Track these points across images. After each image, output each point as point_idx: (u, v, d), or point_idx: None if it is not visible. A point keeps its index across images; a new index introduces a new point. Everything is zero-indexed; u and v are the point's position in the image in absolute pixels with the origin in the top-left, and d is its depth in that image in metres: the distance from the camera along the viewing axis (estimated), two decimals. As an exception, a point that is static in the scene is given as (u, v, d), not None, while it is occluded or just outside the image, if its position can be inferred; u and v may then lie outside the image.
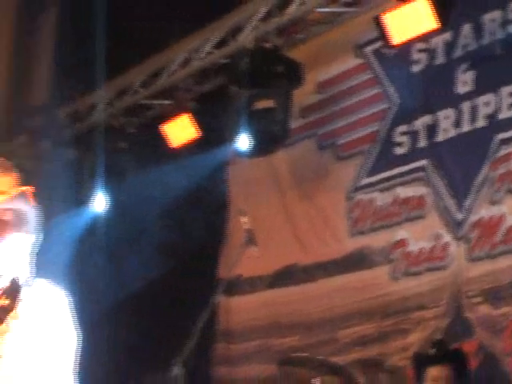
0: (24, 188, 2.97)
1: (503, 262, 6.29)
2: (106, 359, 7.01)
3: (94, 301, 5.87)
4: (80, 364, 2.95)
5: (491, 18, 6.43)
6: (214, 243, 8.24)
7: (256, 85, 7.36)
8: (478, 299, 6.26)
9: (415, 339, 6.45)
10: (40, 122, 8.87)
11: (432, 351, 5.82)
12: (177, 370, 6.90)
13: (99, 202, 8.29)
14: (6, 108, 9.43)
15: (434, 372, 5.53)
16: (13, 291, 3.06)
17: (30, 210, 3.02)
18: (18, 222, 3.03)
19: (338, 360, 6.49)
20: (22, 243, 3.03)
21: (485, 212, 6.31)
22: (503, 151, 6.34)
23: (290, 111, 7.14)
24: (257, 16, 7.32)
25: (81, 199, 8.32)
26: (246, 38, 7.59)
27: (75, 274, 6.51)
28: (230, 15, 7.43)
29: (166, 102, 7.93)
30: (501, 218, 6.20)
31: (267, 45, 7.36)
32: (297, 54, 7.37)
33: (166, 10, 7.85)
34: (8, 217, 2.99)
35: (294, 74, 7.44)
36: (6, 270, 2.94)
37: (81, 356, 2.94)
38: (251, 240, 6.25)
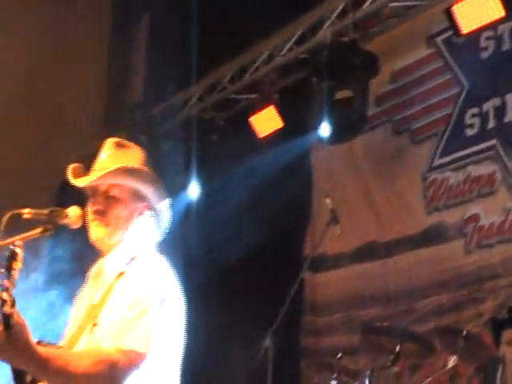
0: (138, 166, 3.38)
1: None
2: (199, 333, 7.41)
3: (189, 278, 6.32)
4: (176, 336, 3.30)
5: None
6: (300, 223, 8.47)
7: (335, 77, 7.48)
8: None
9: (488, 307, 6.56)
10: (137, 118, 9.30)
11: (507, 316, 5.93)
12: (268, 342, 7.19)
13: (193, 190, 8.67)
14: (105, 106, 9.90)
15: (510, 334, 5.73)
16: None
17: (144, 188, 3.35)
18: (132, 197, 3.37)
19: (417, 328, 6.70)
20: (139, 219, 3.42)
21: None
22: None
23: (367, 100, 7.35)
24: (334, 12, 7.45)
25: (176, 188, 8.61)
26: (324, 34, 7.75)
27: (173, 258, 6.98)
28: (309, 13, 7.77)
29: (253, 95, 8.20)
30: None
31: (345, 39, 7.42)
32: (372, 46, 7.59)
33: (252, 10, 8.06)
34: (117, 193, 3.38)
35: (370, 65, 7.52)
36: (121, 241, 3.40)
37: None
38: (335, 219, 6.56)
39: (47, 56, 9.68)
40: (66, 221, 3.22)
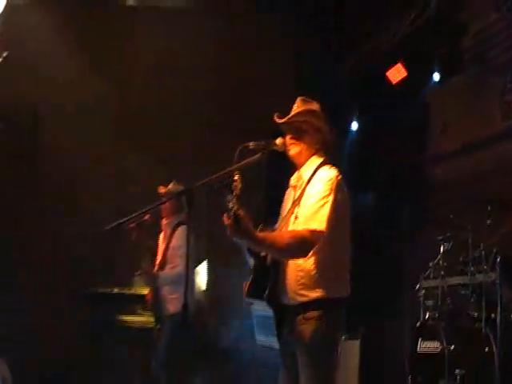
0: (317, 109, 4.18)
1: None
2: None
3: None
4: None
5: None
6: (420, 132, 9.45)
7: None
8: None
9: None
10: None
11: None
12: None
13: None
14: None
15: None
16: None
17: (320, 123, 4.17)
18: (313, 130, 4.19)
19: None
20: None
21: None
22: None
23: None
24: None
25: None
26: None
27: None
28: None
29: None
30: None
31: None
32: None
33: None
34: (304, 126, 4.18)
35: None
36: (309, 158, 4.23)
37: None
38: (444, 128, 8.67)
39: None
40: (275, 147, 4.07)
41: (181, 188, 6.61)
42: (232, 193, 3.58)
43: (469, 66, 8.91)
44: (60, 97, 9.75)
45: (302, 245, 3.88)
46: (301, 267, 3.97)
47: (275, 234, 3.97)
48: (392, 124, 9.54)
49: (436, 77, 8.79)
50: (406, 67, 8.97)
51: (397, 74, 9.05)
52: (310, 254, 3.93)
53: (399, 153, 9.25)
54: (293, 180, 4.25)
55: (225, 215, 3.66)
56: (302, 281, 3.95)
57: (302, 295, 3.96)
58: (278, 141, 4.03)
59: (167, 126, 10.11)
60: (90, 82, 9.80)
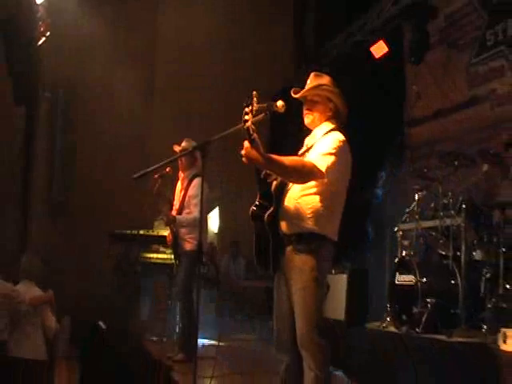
0: (328, 83, 4.04)
1: None
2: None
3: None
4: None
5: None
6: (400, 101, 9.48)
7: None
8: None
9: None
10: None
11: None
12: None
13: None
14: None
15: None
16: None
17: (331, 95, 4.04)
18: (325, 101, 4.06)
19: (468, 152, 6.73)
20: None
21: None
22: None
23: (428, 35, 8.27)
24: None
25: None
26: None
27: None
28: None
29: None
30: None
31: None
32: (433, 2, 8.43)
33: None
34: (317, 98, 4.05)
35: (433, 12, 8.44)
36: (321, 123, 4.06)
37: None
38: (419, 96, 8.42)
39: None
40: (276, 108, 3.82)
41: (194, 144, 6.55)
42: (250, 114, 3.58)
43: (440, 44, 8.91)
44: (94, 73, 10.09)
45: (302, 169, 3.79)
46: (299, 200, 3.87)
47: (283, 157, 3.83)
48: (375, 93, 9.38)
49: (412, 54, 8.74)
50: (387, 44, 8.94)
51: (379, 49, 9.01)
52: (309, 192, 3.85)
53: (381, 117, 9.17)
54: (307, 140, 4.13)
55: (245, 141, 3.64)
56: (298, 211, 3.83)
57: (297, 225, 3.83)
58: (279, 103, 3.82)
59: (188, 94, 10.58)
60: (122, 60, 10.12)
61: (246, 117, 3.55)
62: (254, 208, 3.89)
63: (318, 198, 3.83)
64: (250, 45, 10.99)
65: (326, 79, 4.07)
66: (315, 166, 3.77)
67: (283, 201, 3.89)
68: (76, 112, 10.62)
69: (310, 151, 3.95)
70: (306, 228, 3.82)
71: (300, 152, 4.04)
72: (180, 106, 10.74)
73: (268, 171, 3.87)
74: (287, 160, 3.76)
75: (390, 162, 8.06)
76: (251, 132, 3.59)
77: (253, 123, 3.66)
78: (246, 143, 3.62)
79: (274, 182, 3.98)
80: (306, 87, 4.04)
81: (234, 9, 10.77)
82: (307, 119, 4.04)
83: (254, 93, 3.60)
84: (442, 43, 8.89)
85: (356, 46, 9.59)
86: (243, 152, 3.63)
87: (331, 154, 3.83)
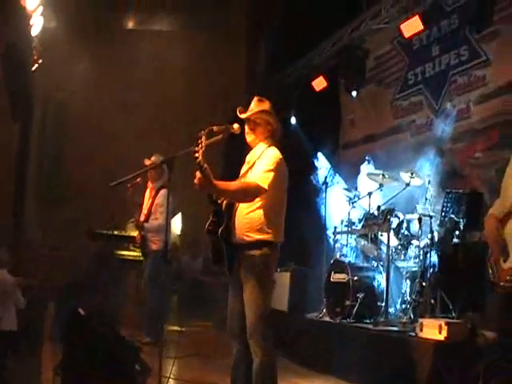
0: (268, 109, 3.90)
1: None
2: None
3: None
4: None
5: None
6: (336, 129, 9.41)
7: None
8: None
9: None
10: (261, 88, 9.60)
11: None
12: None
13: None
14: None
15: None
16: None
17: (270, 119, 3.92)
18: (265, 123, 3.94)
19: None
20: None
21: None
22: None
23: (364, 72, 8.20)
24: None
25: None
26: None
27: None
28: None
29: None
30: None
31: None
32: (367, 44, 8.25)
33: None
34: (258, 120, 3.93)
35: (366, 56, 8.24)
36: (260, 142, 3.93)
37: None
38: (352, 124, 8.61)
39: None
40: (232, 130, 3.76)
41: (161, 159, 6.33)
42: (200, 151, 3.43)
43: (370, 81, 8.83)
44: (81, 91, 10.05)
45: (247, 191, 3.71)
46: (247, 216, 3.76)
47: (231, 182, 3.77)
48: (316, 120, 9.19)
49: (347, 89, 8.67)
50: (327, 79, 8.75)
51: (319, 83, 8.81)
52: (255, 207, 3.75)
53: (320, 140, 9.04)
54: (248, 157, 4.00)
55: (197, 172, 3.51)
56: (248, 225, 3.73)
57: (248, 236, 3.73)
58: (235, 126, 3.77)
59: (158, 116, 10.68)
60: (101, 84, 10.09)
61: (196, 154, 3.41)
62: (209, 226, 3.81)
63: (262, 211, 3.73)
64: (208, 74, 11.04)
65: (267, 105, 3.96)
66: (258, 185, 3.69)
67: (234, 216, 3.80)
68: (62, 125, 10.69)
69: (253, 168, 3.85)
70: (255, 238, 3.74)
71: (243, 170, 3.95)
72: (152, 123, 10.75)
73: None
74: (233, 185, 3.70)
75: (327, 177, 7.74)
76: (202, 165, 3.44)
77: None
78: (198, 174, 3.50)
79: (225, 202, 3.87)
80: (251, 110, 3.92)
81: (194, 46, 10.88)
82: (249, 137, 3.93)
83: (202, 132, 3.48)
84: (372, 80, 8.84)
85: (300, 79, 9.50)
86: (196, 181, 3.53)
87: (270, 170, 3.73)
